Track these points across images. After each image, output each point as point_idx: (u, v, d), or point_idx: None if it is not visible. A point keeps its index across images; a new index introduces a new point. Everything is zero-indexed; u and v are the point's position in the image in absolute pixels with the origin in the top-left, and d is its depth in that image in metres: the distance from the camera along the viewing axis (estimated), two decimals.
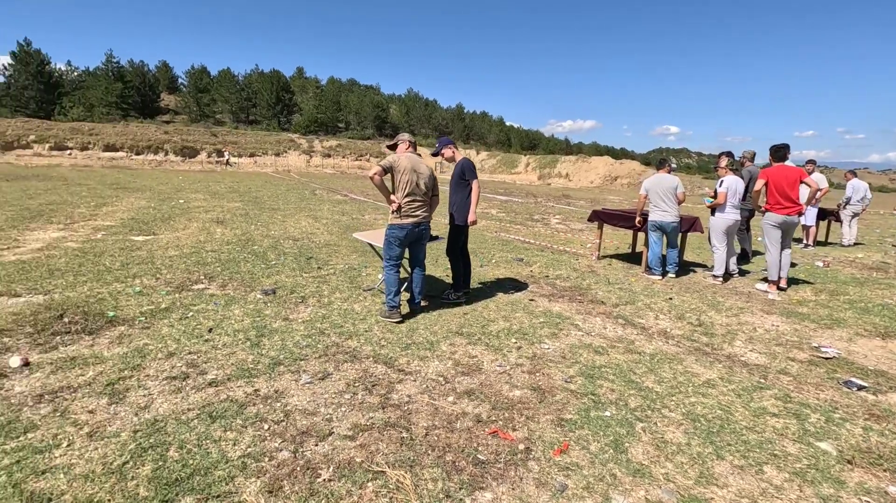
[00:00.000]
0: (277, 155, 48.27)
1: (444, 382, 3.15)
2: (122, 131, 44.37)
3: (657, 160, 6.66)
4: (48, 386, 2.86)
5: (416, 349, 3.66)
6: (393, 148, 4.58)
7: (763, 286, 6.06)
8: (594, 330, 4.33)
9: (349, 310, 4.50)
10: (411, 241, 4.43)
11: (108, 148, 41.46)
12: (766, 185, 5.91)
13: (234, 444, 2.37)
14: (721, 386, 3.28)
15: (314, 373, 3.17)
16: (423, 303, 4.68)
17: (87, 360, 3.21)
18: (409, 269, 4.73)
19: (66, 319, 3.92)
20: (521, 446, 2.47)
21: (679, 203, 6.41)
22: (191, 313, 4.21)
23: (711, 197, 6.68)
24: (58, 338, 3.56)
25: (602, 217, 7.44)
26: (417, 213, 4.32)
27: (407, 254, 4.63)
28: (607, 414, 2.83)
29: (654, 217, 6.37)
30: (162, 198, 13.45)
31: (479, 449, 2.43)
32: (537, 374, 3.33)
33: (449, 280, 5.74)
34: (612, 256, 7.89)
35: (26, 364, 3.13)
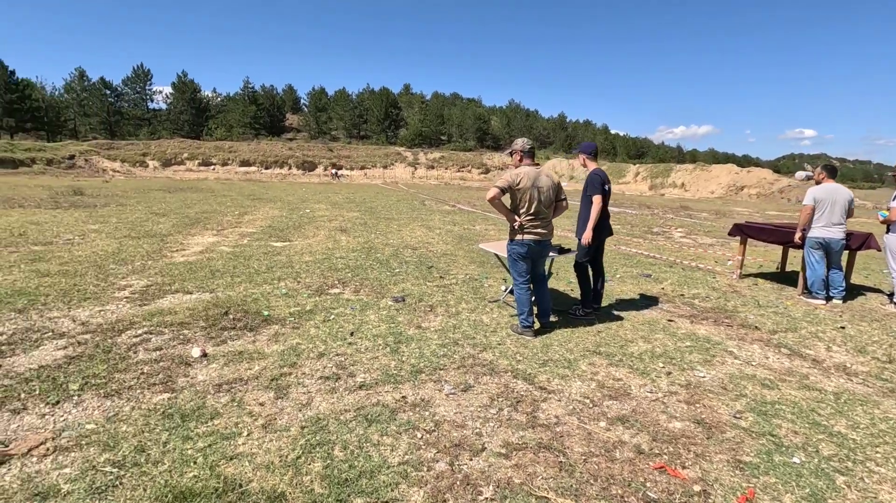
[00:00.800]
0: (385, 167, 50.97)
1: (591, 405, 2.96)
2: (255, 148, 49.98)
3: (826, 167, 5.74)
4: (224, 377, 3.17)
5: (555, 367, 3.50)
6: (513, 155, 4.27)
7: None
8: (754, 359, 3.82)
9: (478, 322, 4.48)
10: (534, 257, 4.20)
11: (244, 163, 46.90)
12: None
13: (392, 450, 2.40)
14: None
15: (456, 384, 3.16)
16: (553, 319, 4.50)
17: (252, 356, 3.52)
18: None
19: (230, 316, 4.38)
20: (697, 487, 2.20)
21: (848, 218, 5.52)
22: (332, 316, 4.48)
23: (885, 210, 5.65)
24: (225, 332, 3.97)
25: (746, 231, 6.66)
26: (538, 230, 4.07)
27: None
28: (796, 460, 2.44)
29: (817, 233, 5.53)
30: (291, 208, 14.78)
31: (647, 485, 2.21)
32: (697, 406, 3.00)
33: (573, 294, 5.50)
34: (755, 275, 7.03)
35: (204, 355, 3.51)
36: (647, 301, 5.45)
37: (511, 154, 4.21)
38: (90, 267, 6.13)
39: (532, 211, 4.01)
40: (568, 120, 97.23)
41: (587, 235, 4.51)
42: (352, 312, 4.61)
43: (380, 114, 68.57)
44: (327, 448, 2.40)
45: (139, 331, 3.92)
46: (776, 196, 26.18)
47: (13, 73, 51.71)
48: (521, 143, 4.17)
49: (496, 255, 5.32)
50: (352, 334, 4.02)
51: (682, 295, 5.77)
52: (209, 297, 4.95)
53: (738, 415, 2.87)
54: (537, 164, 4.22)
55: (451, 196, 23.29)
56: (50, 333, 3.82)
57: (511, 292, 5.25)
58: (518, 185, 3.99)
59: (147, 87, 63.56)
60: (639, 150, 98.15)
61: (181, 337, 3.84)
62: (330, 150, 53.51)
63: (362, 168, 50.36)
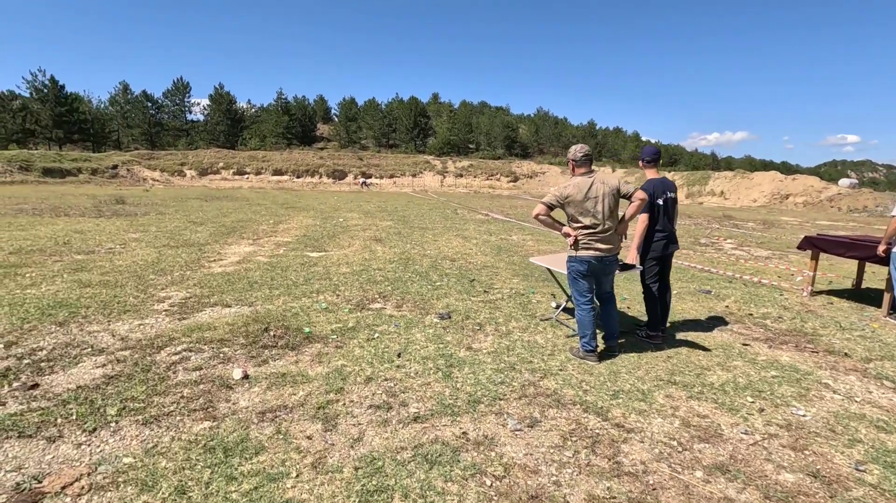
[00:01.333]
0: (414, 175, 51.13)
1: (679, 448, 2.58)
2: (287, 157, 50.97)
3: None
4: (266, 402, 2.93)
5: (628, 399, 3.13)
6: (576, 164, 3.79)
7: None
8: (855, 393, 3.35)
9: (533, 343, 4.13)
10: (596, 275, 3.79)
11: (276, 172, 47.83)
12: None
13: (461, 501, 2.09)
14: None
15: (520, 418, 2.83)
16: (619, 340, 4.11)
17: (296, 379, 3.27)
18: (596, 302, 4.20)
19: (271, 332, 4.17)
20: None
21: None
22: (376, 334, 4.21)
23: None
24: (266, 351, 3.75)
25: (819, 245, 6.10)
26: (598, 245, 3.64)
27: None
28: None
29: None
30: (324, 216, 14.76)
31: None
32: (806, 453, 2.58)
33: (629, 313, 5.10)
34: (827, 293, 6.44)
35: (245, 376, 3.29)
36: (713, 321, 4.99)
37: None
38: (130, 277, 6.08)
39: (588, 224, 3.63)
40: (598, 127, 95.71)
41: (631, 255, 4.14)
42: (396, 330, 4.34)
43: (409, 123, 69.01)
44: (386, 496, 2.10)
45: (178, 349, 3.74)
46: (825, 205, 24.80)
47: (63, 87, 54.41)
48: (573, 150, 3.78)
49: (549, 271, 4.97)
50: (399, 355, 3.74)
51: (751, 314, 5.28)
52: (248, 311, 4.77)
53: (860, 468, 2.44)
54: (593, 171, 3.76)
55: (483, 205, 22.98)
56: (89, 349, 3.68)
57: (561, 308, 4.89)
58: (567, 199, 3.62)
59: (186, 99, 65.83)
60: (671, 158, 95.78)
61: (221, 355, 3.64)
62: (360, 158, 54.09)
63: (391, 176, 50.65)
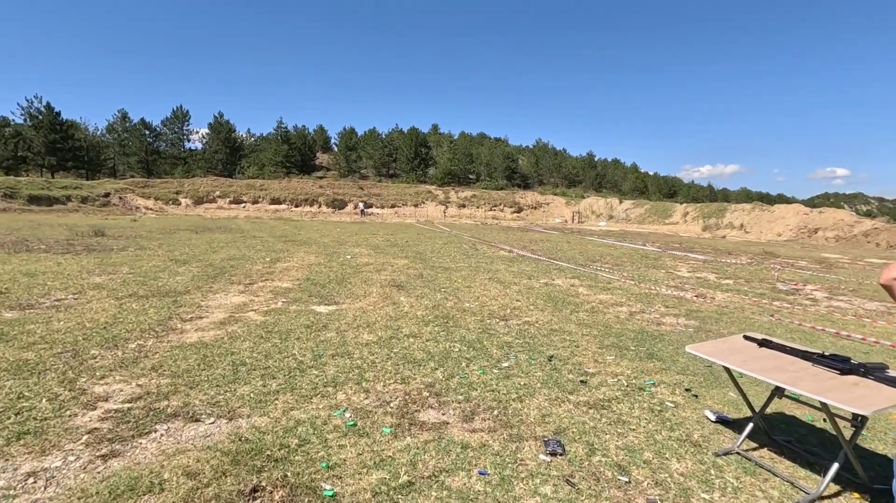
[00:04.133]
0: (416, 205, 49.73)
1: None
2: (286, 186, 49.58)
3: None
4: None
5: None
6: None
7: None
8: None
9: None
10: None
11: (274, 201, 46.32)
12: None
13: None
14: None
15: None
16: None
17: None
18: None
19: (262, 498, 2.29)
20: None
21: None
22: (451, 498, 2.34)
23: None
24: None
25: None
26: None
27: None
28: None
29: None
30: (328, 252, 12.95)
31: None
32: None
33: (818, 425, 3.27)
34: None
35: None
36: None
37: None
38: (63, 353, 4.20)
39: None
40: (597, 158, 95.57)
41: None
42: (485, 488, 2.47)
43: (409, 152, 68.19)
44: None
45: None
46: (860, 239, 23.25)
47: (59, 114, 53.36)
48: None
49: (726, 370, 3.15)
50: None
51: None
52: (227, 434, 2.90)
53: None
54: None
55: (498, 238, 21.26)
56: None
57: (725, 421, 3.04)
58: None
59: (185, 128, 64.94)
60: (670, 189, 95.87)
61: None
62: (360, 188, 52.80)
63: (392, 206, 49.22)
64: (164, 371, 3.93)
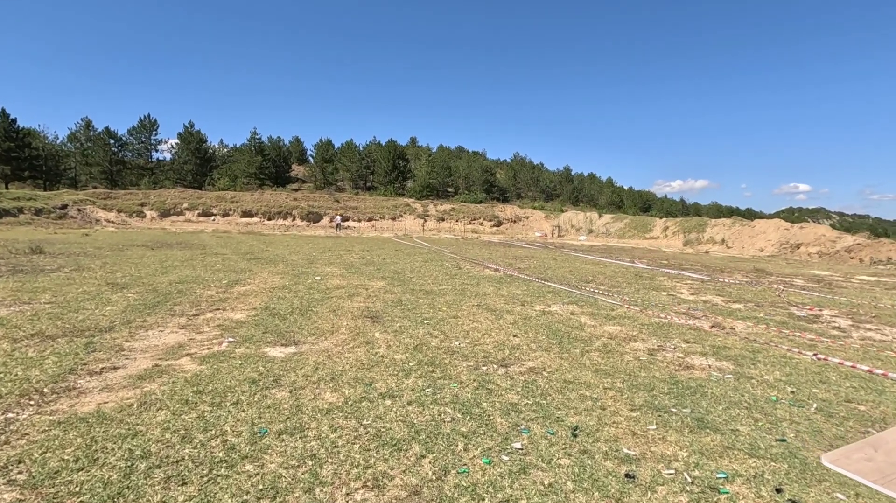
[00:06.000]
0: (394, 219, 48.50)
1: None
2: (258, 198, 47.73)
3: None
4: None
5: None
6: None
7: None
8: None
9: None
10: None
11: (245, 213, 44.44)
12: None
13: None
14: None
15: None
16: None
17: None
18: None
19: None
20: None
21: None
22: None
23: None
24: None
25: None
26: None
27: None
28: None
29: None
30: (296, 272, 11.62)
31: None
32: None
33: None
34: None
35: None
36: None
37: None
38: None
39: None
40: (573, 173, 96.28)
41: None
42: None
43: (387, 165, 67.02)
44: None
45: None
46: (843, 255, 23.08)
47: (14, 121, 50.41)
48: None
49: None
50: None
51: None
52: None
53: None
54: None
55: (481, 254, 20.19)
56: None
57: None
58: None
59: (153, 138, 62.37)
60: (645, 203, 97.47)
61: None
62: (336, 200, 51.31)
63: (370, 219, 47.87)
64: (20, 473, 2.65)
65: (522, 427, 3.46)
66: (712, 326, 7.18)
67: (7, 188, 47.45)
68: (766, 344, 6.22)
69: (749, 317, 8.10)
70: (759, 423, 3.68)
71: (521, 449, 3.13)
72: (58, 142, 59.78)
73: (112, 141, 58.51)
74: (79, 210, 40.08)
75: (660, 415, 3.75)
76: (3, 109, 49.36)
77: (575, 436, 3.34)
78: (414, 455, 3.01)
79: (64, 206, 39.80)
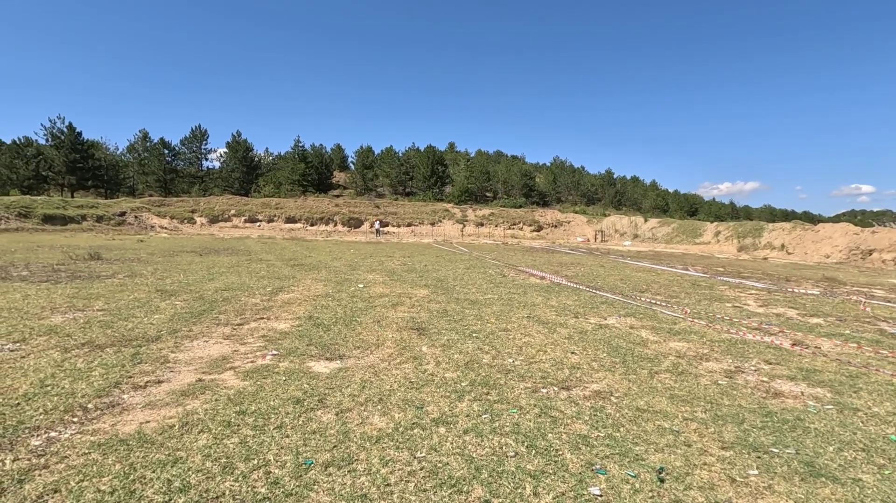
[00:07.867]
0: (433, 224, 48.46)
1: None
2: (301, 205, 48.85)
3: None
4: None
5: None
6: None
7: None
8: None
9: None
10: None
11: (289, 219, 45.53)
12: None
13: None
14: None
15: None
16: None
17: None
18: None
19: None
20: None
21: None
22: None
23: None
24: None
25: None
26: None
27: None
28: None
29: None
30: (339, 280, 11.52)
31: None
32: None
33: None
34: None
35: None
36: None
37: None
38: None
39: None
40: (615, 176, 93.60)
41: None
42: None
43: (426, 171, 67.27)
44: None
45: None
46: None
47: (80, 133, 53.84)
48: None
49: None
50: None
51: None
52: None
53: None
54: None
55: (524, 260, 19.63)
56: None
57: None
58: None
59: (203, 147, 65.21)
60: (691, 207, 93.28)
61: None
62: (376, 206, 51.81)
63: (409, 225, 48.02)
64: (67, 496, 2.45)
65: (598, 466, 3.02)
66: (794, 345, 6.43)
67: (73, 197, 50.73)
68: (863, 367, 5.46)
69: (833, 333, 7.26)
70: (886, 472, 3.08)
71: (601, 496, 2.70)
72: (118, 152, 63.55)
73: (166, 151, 61.57)
74: (136, 217, 42.20)
75: (759, 457, 3.21)
76: (71, 123, 52.79)
77: (662, 480, 2.87)
78: (477, 500, 2.63)
79: (122, 214, 42.03)
